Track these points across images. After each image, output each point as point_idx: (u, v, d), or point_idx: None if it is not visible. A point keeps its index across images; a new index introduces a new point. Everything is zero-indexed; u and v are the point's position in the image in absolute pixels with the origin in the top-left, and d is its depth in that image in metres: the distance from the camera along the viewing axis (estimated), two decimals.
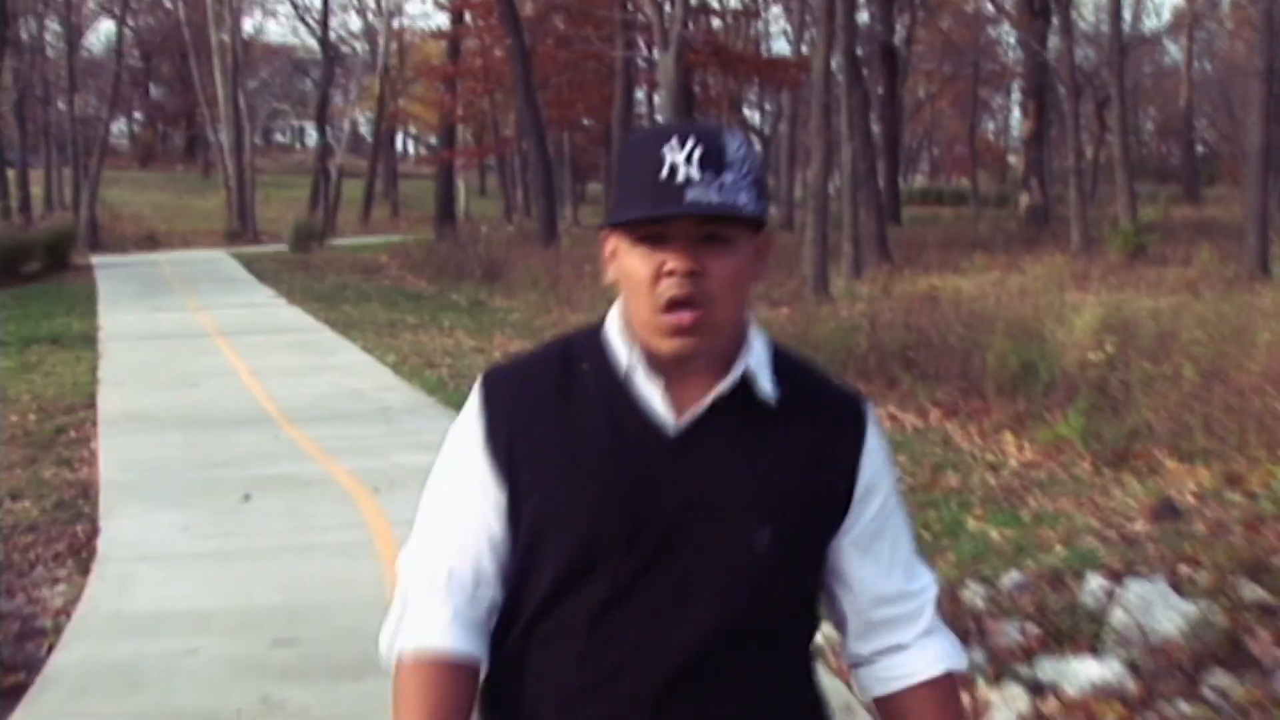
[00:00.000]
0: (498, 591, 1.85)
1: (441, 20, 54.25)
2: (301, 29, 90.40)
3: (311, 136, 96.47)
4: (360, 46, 66.43)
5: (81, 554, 7.66)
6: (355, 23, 59.78)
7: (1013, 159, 66.04)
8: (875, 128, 40.19)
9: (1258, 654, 5.19)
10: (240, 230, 47.24)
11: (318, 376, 14.70)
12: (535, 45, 31.47)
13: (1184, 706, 4.77)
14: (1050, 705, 4.89)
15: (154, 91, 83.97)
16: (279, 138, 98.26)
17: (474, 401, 1.87)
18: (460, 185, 54.15)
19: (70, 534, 8.06)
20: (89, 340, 18.27)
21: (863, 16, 33.76)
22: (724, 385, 1.81)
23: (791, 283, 21.24)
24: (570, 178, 47.13)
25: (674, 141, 1.75)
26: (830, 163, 22.08)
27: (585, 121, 43.21)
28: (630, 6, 28.89)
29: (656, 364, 1.81)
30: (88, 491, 9.18)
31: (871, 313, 14.13)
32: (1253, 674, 5.03)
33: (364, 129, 69.82)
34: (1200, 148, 64.12)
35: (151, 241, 44.52)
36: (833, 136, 22.08)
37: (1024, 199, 38.21)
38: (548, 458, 1.81)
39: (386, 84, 53.65)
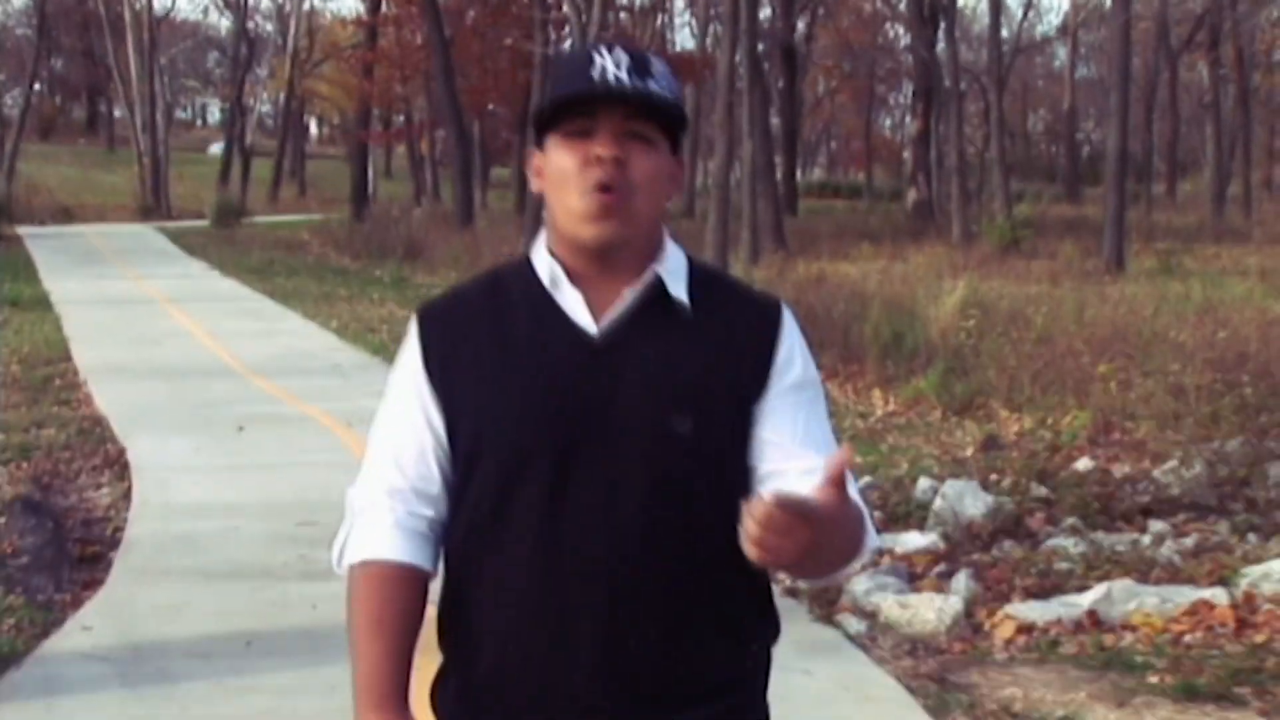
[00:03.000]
0: (443, 504, 1.95)
1: (352, 3, 55.43)
2: (213, 9, 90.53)
3: (214, 114, 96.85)
4: (271, 26, 67.44)
5: (114, 466, 9.30)
6: (265, 3, 60.61)
7: (907, 154, 68.59)
8: (775, 121, 42.39)
9: (1034, 529, 7.16)
10: (154, 206, 48.20)
11: (269, 339, 16.31)
12: (453, 35, 33.06)
13: (976, 556, 6.71)
14: (885, 560, 6.78)
15: (55, 63, 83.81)
16: (180, 114, 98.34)
17: (410, 331, 2.00)
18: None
19: (101, 451, 9.69)
20: (45, 304, 19.65)
21: (765, 11, 35.80)
22: (639, 285, 1.91)
23: None
24: (480, 162, 48.68)
25: (603, 49, 1.90)
26: (732, 155, 23.98)
27: (492, 108, 44.82)
28: (547, 3, 30.64)
29: (577, 270, 1.93)
30: (100, 423, 10.78)
31: (775, 288, 16.08)
32: (1028, 542, 6.99)
33: (265, 108, 70.74)
34: (1086, 149, 67.21)
35: (66, 215, 45.36)
36: (735, 131, 23.97)
37: (911, 194, 40.57)
38: (478, 371, 1.91)
39: (296, 65, 54.83)
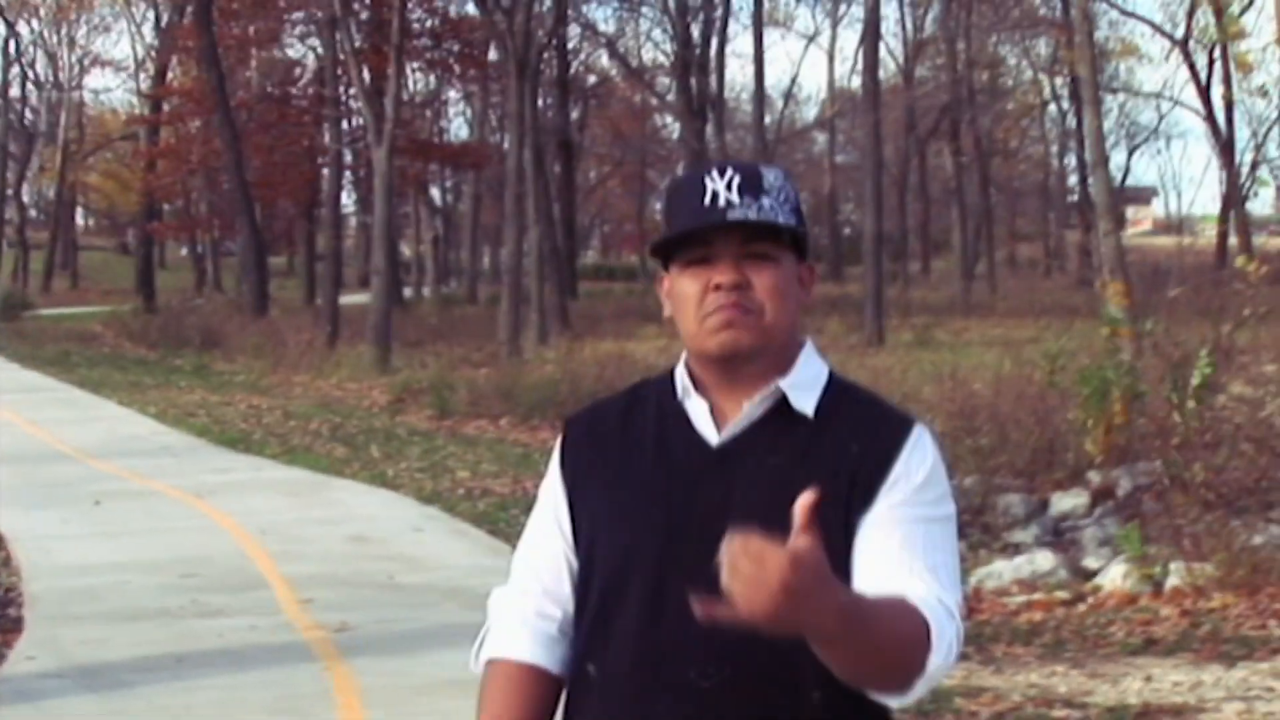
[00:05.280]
0: (570, 606, 1.97)
1: (122, 95, 55.69)
2: None
3: None
4: (40, 118, 66.68)
5: None
6: (33, 94, 59.98)
7: None
8: (555, 208, 44.12)
9: None
10: None
11: (92, 425, 17.08)
12: (241, 131, 33.95)
13: None
14: None
15: None
16: None
17: (557, 440, 2.04)
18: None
19: None
20: None
21: (541, 100, 37.62)
22: (760, 395, 1.90)
23: (489, 347, 24.50)
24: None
25: (714, 173, 1.90)
26: (521, 243, 25.49)
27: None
28: (339, 101, 31.86)
29: (706, 382, 1.94)
30: None
31: (566, 368, 17.55)
32: None
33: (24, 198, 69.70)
34: (847, 230, 70.80)
35: None
36: (523, 220, 25.50)
37: None
38: (604, 474, 1.95)
39: (67, 157, 54.66)
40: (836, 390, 1.94)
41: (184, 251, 63.52)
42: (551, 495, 2.01)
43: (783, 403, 1.90)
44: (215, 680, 6.41)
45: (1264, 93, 29.59)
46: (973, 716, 5.41)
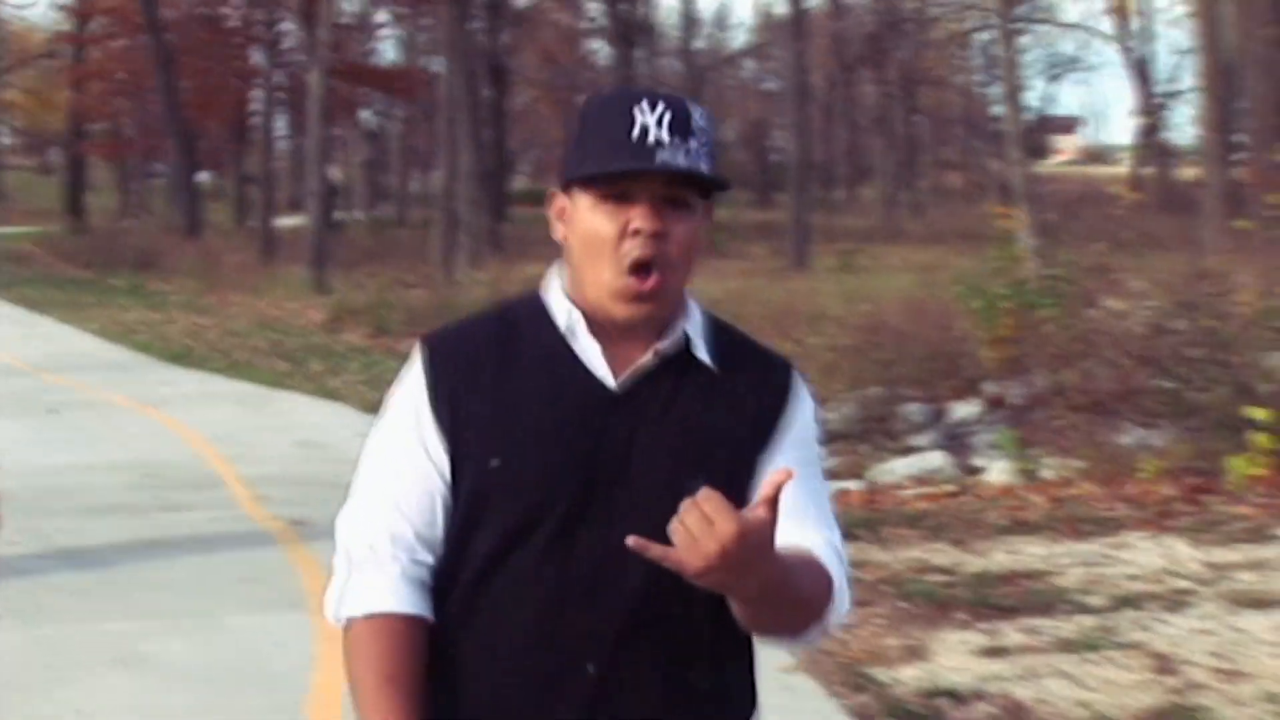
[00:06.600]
0: (441, 550, 1.88)
1: (42, 11, 55.15)
2: None
3: None
4: None
5: None
6: None
7: None
8: (486, 133, 44.47)
9: None
10: None
11: (37, 341, 17.59)
12: (171, 52, 34.05)
13: None
14: None
15: None
16: None
17: (416, 365, 1.91)
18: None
19: None
20: None
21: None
22: (667, 344, 1.86)
23: (422, 269, 25.10)
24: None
25: (644, 105, 1.82)
26: (454, 168, 26.02)
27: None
28: (271, 24, 32.11)
29: (598, 325, 1.86)
30: None
31: (498, 289, 18.24)
32: None
33: None
34: (775, 157, 71.56)
35: None
36: (455, 145, 26.02)
37: None
38: (490, 417, 1.84)
39: None
40: (718, 332, 1.94)
41: (108, 173, 63.23)
42: (418, 429, 1.88)
43: (684, 349, 1.88)
44: (187, 559, 7.13)
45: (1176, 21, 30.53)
46: (858, 583, 6.23)
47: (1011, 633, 5.60)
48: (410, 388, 1.90)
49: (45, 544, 7.54)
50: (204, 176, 61.69)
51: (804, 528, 1.82)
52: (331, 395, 13.20)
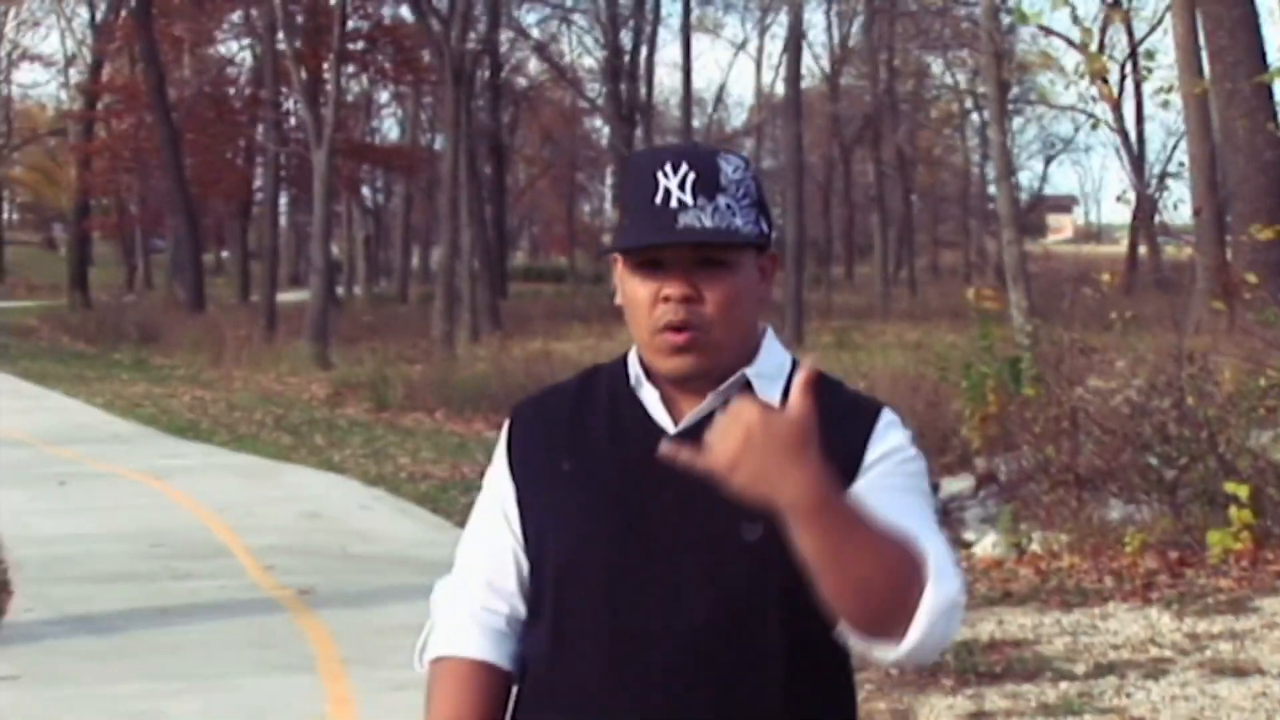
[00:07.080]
0: (519, 600, 1.92)
1: (52, 90, 55.88)
2: None
3: None
4: None
5: None
6: None
7: (607, 239, 71.99)
8: (486, 209, 45.00)
9: None
10: None
11: (42, 414, 17.81)
12: (177, 129, 34.55)
13: None
14: None
15: None
16: None
17: (503, 430, 1.98)
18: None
19: None
20: None
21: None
22: (724, 387, 1.84)
23: (422, 344, 25.40)
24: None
25: (668, 167, 1.81)
26: (455, 244, 26.38)
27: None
28: (277, 104, 32.64)
29: (658, 379, 1.88)
30: None
31: (498, 365, 18.52)
32: None
33: None
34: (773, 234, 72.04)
35: None
36: (457, 222, 26.40)
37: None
38: (554, 463, 1.89)
39: None
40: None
41: (109, 248, 63.65)
42: (497, 488, 1.96)
43: (747, 391, 1.83)
44: (198, 626, 7.33)
45: (1165, 104, 31.08)
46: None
47: (996, 698, 5.80)
48: (497, 451, 1.98)
49: (56, 610, 7.74)
50: (209, 253, 62.26)
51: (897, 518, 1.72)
52: (334, 468, 13.42)
